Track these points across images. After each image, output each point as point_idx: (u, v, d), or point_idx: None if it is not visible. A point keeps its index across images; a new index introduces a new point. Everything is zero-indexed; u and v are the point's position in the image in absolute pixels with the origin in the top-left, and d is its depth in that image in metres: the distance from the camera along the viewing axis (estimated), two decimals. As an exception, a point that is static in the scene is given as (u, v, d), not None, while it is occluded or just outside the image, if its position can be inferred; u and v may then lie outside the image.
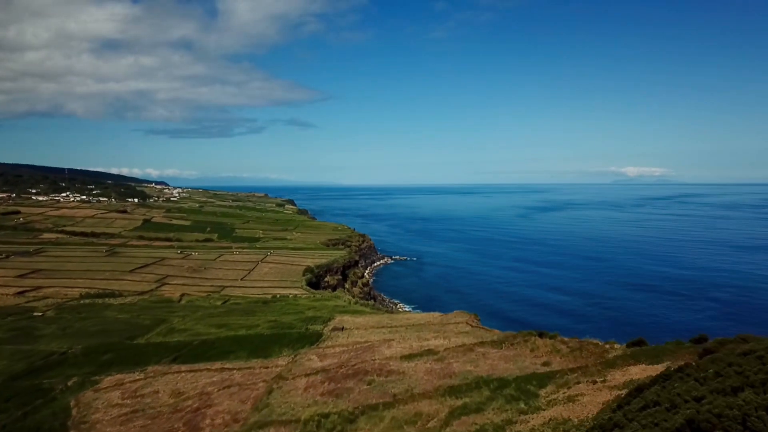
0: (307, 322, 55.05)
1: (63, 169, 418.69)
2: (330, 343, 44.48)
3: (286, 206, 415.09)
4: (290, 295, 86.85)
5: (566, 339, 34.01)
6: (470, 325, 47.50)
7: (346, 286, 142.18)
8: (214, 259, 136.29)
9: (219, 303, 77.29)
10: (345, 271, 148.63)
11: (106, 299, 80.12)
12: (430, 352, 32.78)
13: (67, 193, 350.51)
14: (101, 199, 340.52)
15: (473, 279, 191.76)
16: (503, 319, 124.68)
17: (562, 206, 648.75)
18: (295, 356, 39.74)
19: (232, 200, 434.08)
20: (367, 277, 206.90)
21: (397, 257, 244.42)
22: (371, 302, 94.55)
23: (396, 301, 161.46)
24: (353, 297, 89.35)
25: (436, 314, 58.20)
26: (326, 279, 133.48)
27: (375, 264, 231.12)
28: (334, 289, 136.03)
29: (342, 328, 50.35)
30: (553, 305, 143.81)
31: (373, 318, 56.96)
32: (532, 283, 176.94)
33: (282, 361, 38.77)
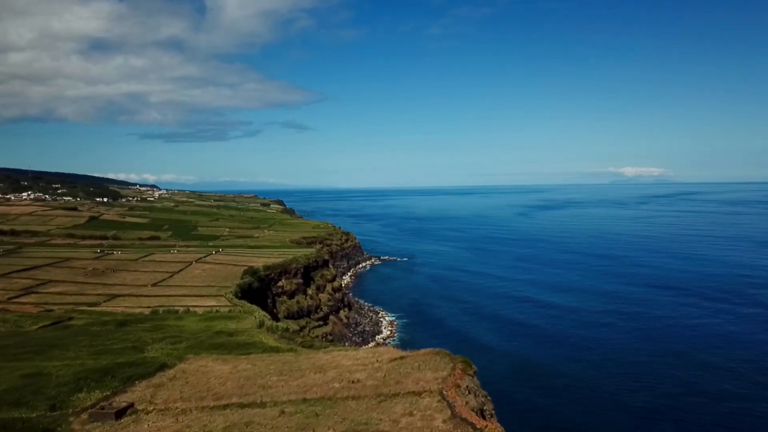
0: (93, 380, 24.87)
1: (26, 171, 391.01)
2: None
3: (272, 206, 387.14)
4: (183, 309, 56.43)
5: None
6: (446, 400, 17.18)
7: (309, 291, 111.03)
8: (136, 260, 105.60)
9: (35, 327, 46.85)
10: (309, 273, 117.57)
11: None
12: None
13: (29, 192, 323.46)
14: (65, 198, 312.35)
15: (470, 282, 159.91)
16: (518, 364, 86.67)
17: (563, 205, 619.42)
18: None
19: (215, 200, 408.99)
20: (348, 279, 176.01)
21: (386, 258, 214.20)
22: (293, 330, 63.57)
23: (378, 309, 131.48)
24: (271, 318, 58.45)
25: (389, 353, 27.68)
26: (280, 283, 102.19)
27: (359, 265, 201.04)
28: (291, 296, 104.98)
29: (125, 410, 19.95)
30: (589, 337, 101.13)
31: (253, 368, 26.61)
32: (545, 300, 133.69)
33: None
